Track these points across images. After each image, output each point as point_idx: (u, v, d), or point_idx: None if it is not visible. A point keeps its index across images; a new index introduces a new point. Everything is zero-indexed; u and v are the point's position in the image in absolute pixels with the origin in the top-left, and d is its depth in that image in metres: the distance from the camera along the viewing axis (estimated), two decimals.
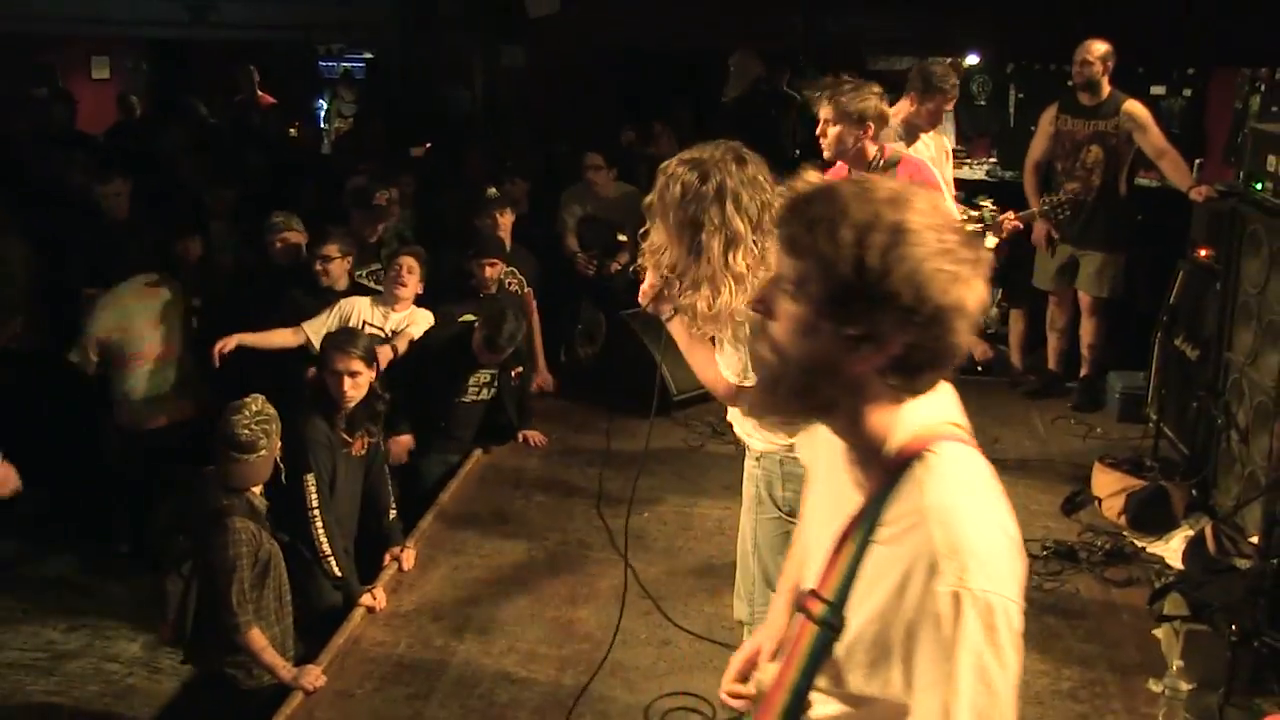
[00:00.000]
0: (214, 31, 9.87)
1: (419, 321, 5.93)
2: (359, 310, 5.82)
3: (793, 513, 3.40)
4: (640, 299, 3.21)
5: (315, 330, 5.64)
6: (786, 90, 9.76)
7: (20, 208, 6.91)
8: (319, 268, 5.99)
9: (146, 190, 7.04)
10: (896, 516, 1.51)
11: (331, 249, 6.00)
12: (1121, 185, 6.70)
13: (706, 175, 3.01)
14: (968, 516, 1.47)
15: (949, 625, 1.42)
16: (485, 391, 6.07)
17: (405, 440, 5.82)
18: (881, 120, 4.68)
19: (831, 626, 1.56)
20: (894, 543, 1.50)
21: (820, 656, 1.59)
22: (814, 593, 1.59)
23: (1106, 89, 6.58)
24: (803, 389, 1.55)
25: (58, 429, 6.13)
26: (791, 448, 3.34)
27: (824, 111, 4.66)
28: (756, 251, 3.01)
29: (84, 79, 11.92)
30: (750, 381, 3.03)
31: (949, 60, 5.97)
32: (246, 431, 4.10)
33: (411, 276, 5.88)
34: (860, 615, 1.53)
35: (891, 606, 1.48)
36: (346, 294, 5.99)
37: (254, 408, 4.18)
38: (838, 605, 1.55)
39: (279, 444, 4.29)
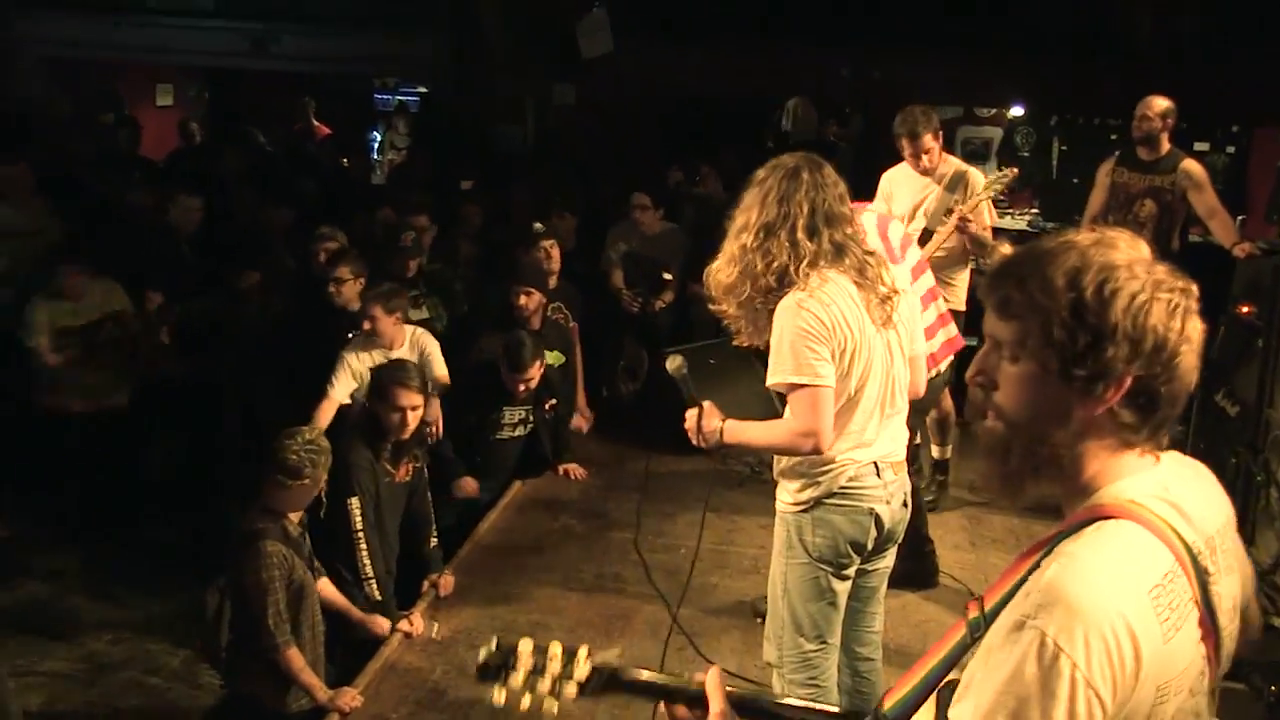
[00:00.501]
0: (274, 62, 10.09)
1: (427, 345, 5.96)
2: (361, 359, 5.76)
3: (823, 559, 3.43)
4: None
5: (345, 387, 5.70)
6: (831, 138, 9.88)
7: (90, 236, 7.14)
8: (332, 289, 6.16)
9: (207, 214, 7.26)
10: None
11: (344, 271, 6.17)
12: (1174, 241, 6.70)
13: (776, 167, 3.33)
14: (1085, 577, 1.44)
15: (1007, 646, 1.43)
16: (521, 428, 6.15)
17: (469, 483, 5.97)
18: None
19: (974, 635, 1.58)
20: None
21: (956, 657, 1.62)
22: (980, 597, 1.62)
23: (1166, 146, 6.61)
24: (1034, 446, 1.57)
25: None
26: (819, 499, 3.40)
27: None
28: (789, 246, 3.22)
29: (149, 105, 12.22)
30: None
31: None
32: (294, 457, 4.18)
33: (382, 320, 5.73)
34: (990, 633, 1.55)
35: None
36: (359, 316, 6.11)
37: (306, 436, 4.26)
38: (990, 618, 1.56)
39: (324, 477, 4.35)
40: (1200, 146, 9.16)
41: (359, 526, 4.70)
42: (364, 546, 4.70)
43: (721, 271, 3.37)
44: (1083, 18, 8.83)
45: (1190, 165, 6.61)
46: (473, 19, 9.21)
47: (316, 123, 11.36)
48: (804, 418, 3.22)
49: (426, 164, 9.60)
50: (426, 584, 5.17)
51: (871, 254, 3.37)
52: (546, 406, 6.23)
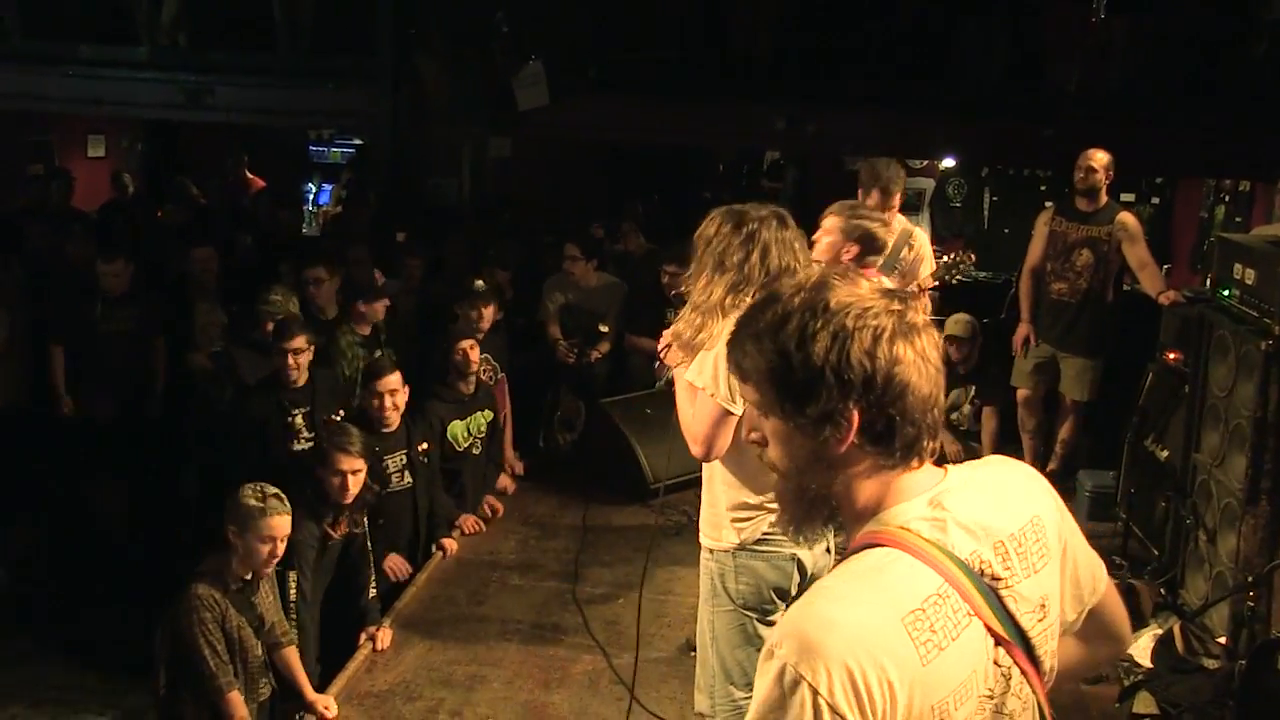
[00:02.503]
0: (209, 114, 10.02)
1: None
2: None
3: (747, 605, 3.45)
4: (661, 344, 3.51)
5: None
6: (764, 189, 10.01)
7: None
8: (310, 291, 6.16)
9: (138, 266, 7.17)
10: None
11: (320, 271, 6.18)
12: (1109, 292, 6.83)
13: (743, 223, 3.36)
14: (826, 612, 1.50)
15: (763, 670, 1.50)
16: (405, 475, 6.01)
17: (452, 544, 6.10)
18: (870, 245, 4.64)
19: None
20: None
21: None
22: None
23: (1104, 198, 6.76)
24: (804, 490, 1.65)
25: None
26: (744, 544, 3.43)
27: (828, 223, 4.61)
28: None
29: (80, 157, 12.09)
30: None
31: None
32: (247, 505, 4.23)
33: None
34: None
35: None
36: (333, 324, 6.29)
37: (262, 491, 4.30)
38: None
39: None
40: (1126, 197, 9.40)
41: (293, 599, 4.68)
42: (293, 617, 4.69)
43: (685, 324, 3.45)
44: (1013, 73, 9.04)
45: (1126, 218, 6.78)
46: (410, 71, 9.23)
47: (250, 175, 11.29)
48: (702, 425, 3.32)
49: (363, 216, 9.57)
50: (364, 637, 5.10)
51: None
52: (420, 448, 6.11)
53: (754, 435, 1.70)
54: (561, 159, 11.54)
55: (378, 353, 6.61)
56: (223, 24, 10.04)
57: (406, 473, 5.89)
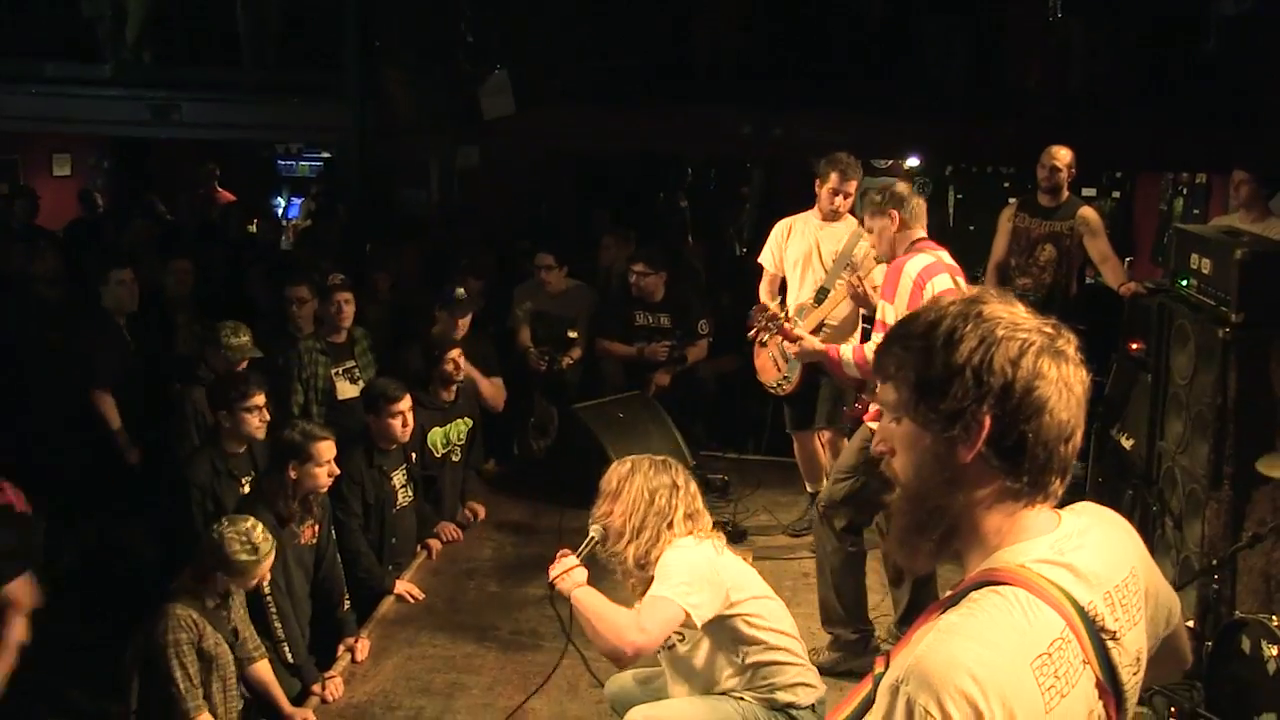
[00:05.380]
0: (176, 131, 10.02)
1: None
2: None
3: None
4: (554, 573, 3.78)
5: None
6: (740, 191, 10.07)
7: None
8: (292, 310, 6.28)
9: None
10: None
11: (303, 291, 6.22)
12: (1072, 285, 6.94)
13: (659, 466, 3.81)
14: (956, 652, 1.46)
15: (883, 705, 1.49)
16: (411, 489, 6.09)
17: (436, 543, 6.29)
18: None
19: (875, 692, 1.61)
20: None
21: (860, 713, 1.65)
22: (888, 654, 1.65)
23: (1065, 194, 6.87)
24: (923, 500, 1.62)
25: None
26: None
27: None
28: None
29: (45, 176, 12.04)
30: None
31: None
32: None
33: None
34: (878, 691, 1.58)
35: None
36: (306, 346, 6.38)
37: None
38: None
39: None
40: (1088, 191, 9.51)
41: (267, 591, 4.65)
42: (274, 609, 4.66)
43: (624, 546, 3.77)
44: (975, 73, 9.14)
45: (1087, 212, 6.88)
46: (376, 84, 9.25)
47: (220, 189, 11.28)
48: (651, 623, 3.55)
49: (334, 229, 9.58)
50: (342, 648, 5.12)
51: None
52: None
53: (881, 446, 1.69)
54: (530, 167, 11.57)
55: (349, 363, 6.64)
56: (188, 40, 10.05)
57: (409, 488, 5.96)
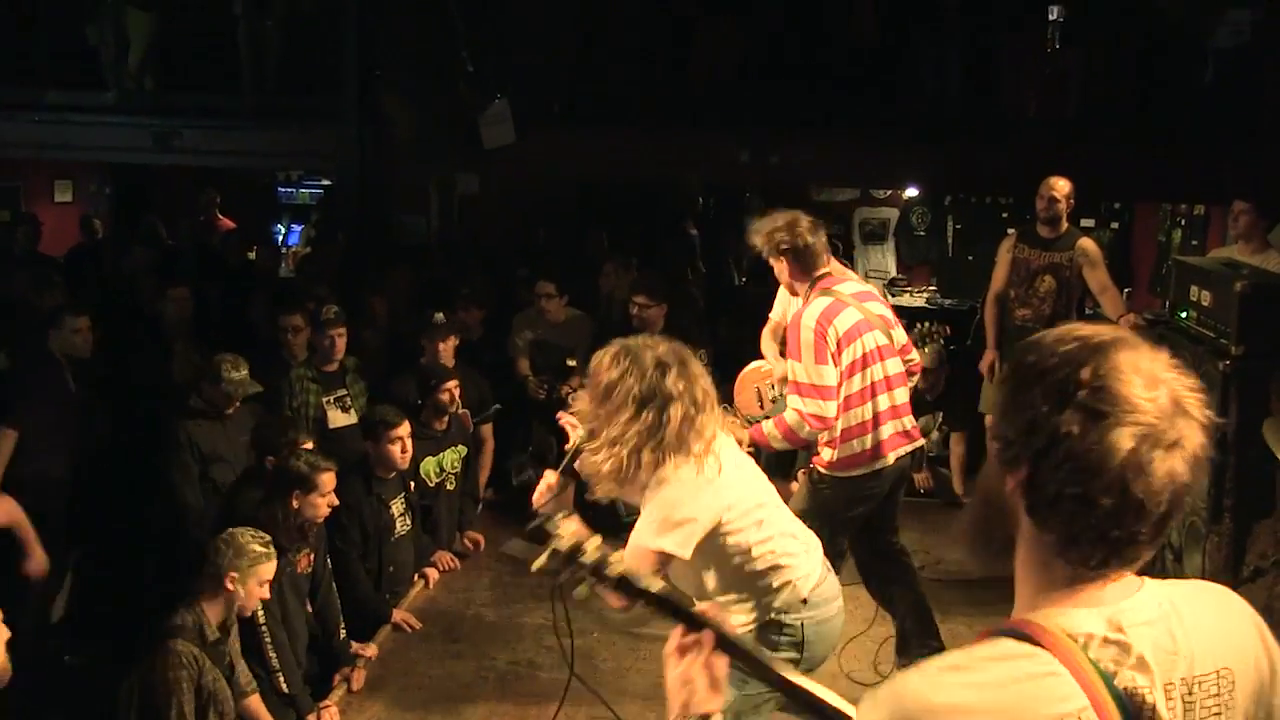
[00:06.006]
0: (178, 157, 10.06)
1: None
2: None
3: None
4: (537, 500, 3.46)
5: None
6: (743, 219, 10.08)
7: None
8: (287, 338, 6.32)
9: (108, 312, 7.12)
10: None
11: (297, 319, 6.22)
12: (1072, 316, 6.93)
13: (644, 356, 3.23)
14: (938, 678, 1.43)
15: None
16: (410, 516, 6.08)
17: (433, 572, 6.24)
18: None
19: None
20: None
21: None
22: None
23: (1065, 225, 6.89)
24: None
25: None
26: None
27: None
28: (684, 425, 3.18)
29: (47, 202, 12.08)
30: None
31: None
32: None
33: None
34: None
35: None
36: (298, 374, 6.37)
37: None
38: None
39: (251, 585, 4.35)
40: (1086, 222, 9.54)
41: (262, 620, 4.64)
42: (269, 639, 4.64)
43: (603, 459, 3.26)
44: (973, 102, 9.18)
45: (1086, 243, 6.89)
46: (376, 110, 9.30)
47: (220, 216, 11.32)
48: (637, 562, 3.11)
49: (333, 256, 9.61)
50: (338, 677, 5.10)
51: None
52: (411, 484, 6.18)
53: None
54: (529, 194, 11.61)
55: (340, 391, 6.62)
56: (189, 67, 10.10)
57: (407, 517, 5.94)
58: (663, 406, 3.16)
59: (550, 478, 3.47)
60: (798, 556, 3.42)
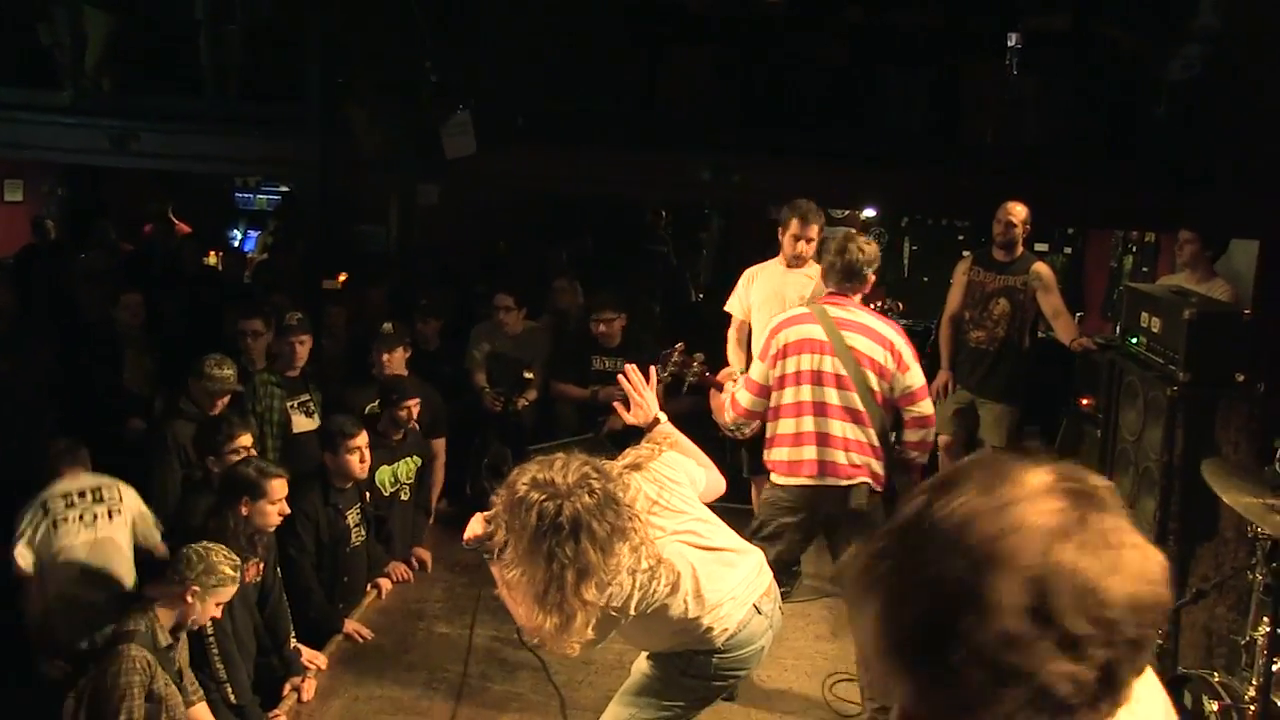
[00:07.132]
0: (135, 160, 9.93)
1: None
2: None
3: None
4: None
5: None
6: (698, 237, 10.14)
7: None
8: (246, 342, 6.36)
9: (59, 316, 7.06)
10: None
11: (257, 324, 6.19)
12: (1025, 340, 7.04)
13: (560, 508, 2.98)
14: None
15: None
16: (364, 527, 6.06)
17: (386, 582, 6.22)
18: None
19: None
20: None
21: None
22: None
23: (1021, 249, 6.99)
24: None
25: None
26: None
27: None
28: (605, 577, 3.05)
29: None
30: None
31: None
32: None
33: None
34: None
35: None
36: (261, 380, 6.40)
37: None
38: None
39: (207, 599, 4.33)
40: (1040, 247, 9.67)
41: (210, 631, 4.62)
42: (215, 650, 4.62)
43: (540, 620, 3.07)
44: (931, 126, 9.27)
45: (1041, 268, 7.00)
46: (338, 119, 9.25)
47: (176, 220, 11.21)
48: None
49: (292, 263, 9.55)
50: (288, 687, 5.07)
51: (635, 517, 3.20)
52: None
53: None
54: (489, 207, 11.59)
55: (304, 396, 6.61)
56: (148, 69, 9.99)
57: (362, 527, 5.92)
58: (569, 563, 2.98)
59: (478, 521, 3.35)
60: (728, 615, 3.45)
